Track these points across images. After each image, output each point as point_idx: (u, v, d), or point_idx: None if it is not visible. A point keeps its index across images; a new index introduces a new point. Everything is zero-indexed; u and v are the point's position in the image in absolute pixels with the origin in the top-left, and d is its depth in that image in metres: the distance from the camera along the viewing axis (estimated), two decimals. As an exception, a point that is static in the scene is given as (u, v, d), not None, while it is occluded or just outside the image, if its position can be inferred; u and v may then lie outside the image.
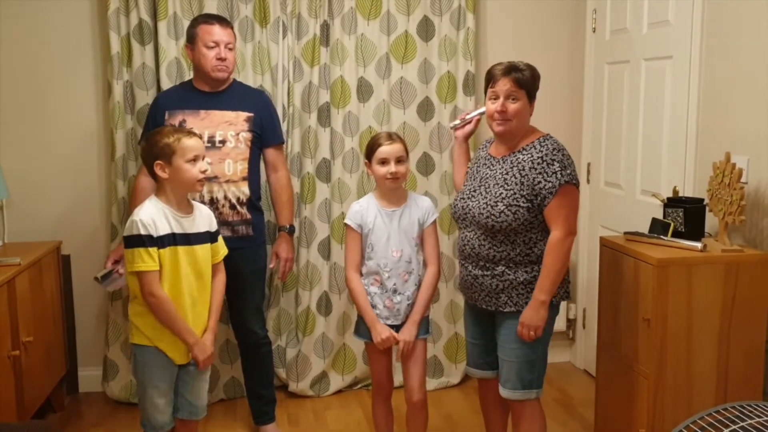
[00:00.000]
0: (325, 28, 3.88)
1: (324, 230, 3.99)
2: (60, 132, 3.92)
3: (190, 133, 2.76)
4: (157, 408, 2.74)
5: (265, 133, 3.41)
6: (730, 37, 3.06)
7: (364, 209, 3.02)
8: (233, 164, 3.31)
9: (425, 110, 4.02)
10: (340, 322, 4.03)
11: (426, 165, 4.05)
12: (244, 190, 3.34)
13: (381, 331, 2.96)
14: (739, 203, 2.79)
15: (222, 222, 3.29)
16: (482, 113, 2.98)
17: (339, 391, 4.10)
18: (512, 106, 2.70)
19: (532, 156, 2.68)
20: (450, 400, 3.99)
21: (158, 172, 2.68)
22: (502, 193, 2.70)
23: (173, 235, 2.69)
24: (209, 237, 2.83)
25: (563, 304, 4.24)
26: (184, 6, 3.76)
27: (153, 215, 2.65)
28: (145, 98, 3.73)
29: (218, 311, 2.89)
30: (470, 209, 2.78)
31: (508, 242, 2.71)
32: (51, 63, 3.87)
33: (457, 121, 3.10)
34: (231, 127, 3.31)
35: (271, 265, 3.56)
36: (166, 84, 3.71)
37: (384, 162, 2.94)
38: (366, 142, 3.26)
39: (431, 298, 3.05)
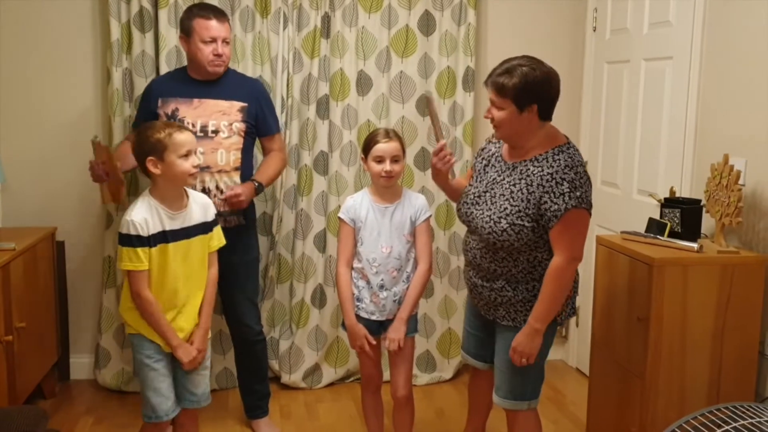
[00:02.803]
0: (326, 20, 3.87)
1: (320, 223, 3.99)
2: (58, 118, 3.90)
3: (182, 127, 2.72)
4: (160, 392, 2.73)
5: (260, 124, 3.39)
6: (730, 39, 3.06)
7: (358, 204, 3.02)
8: (226, 154, 3.29)
9: (424, 105, 4.01)
10: (334, 314, 4.03)
11: (424, 160, 4.05)
12: (236, 180, 3.32)
13: (356, 338, 3.00)
14: (737, 205, 2.79)
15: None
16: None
17: (331, 384, 4.10)
18: (497, 115, 2.51)
19: (542, 171, 2.47)
20: (442, 395, 4.00)
21: (150, 168, 2.64)
22: (507, 208, 2.53)
23: (164, 233, 2.67)
24: (203, 228, 2.81)
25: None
26: (185, -6, 3.74)
27: (145, 215, 2.63)
28: (143, 86, 3.69)
29: (211, 306, 2.88)
30: (474, 217, 2.63)
31: (510, 259, 2.57)
32: (50, 49, 3.85)
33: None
34: (224, 117, 3.29)
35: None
36: (166, 72, 3.69)
37: (380, 160, 2.94)
38: (364, 135, 3.26)
39: (420, 295, 3.05)
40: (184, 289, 2.76)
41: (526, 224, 2.49)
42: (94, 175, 3.13)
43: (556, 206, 2.43)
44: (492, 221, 2.55)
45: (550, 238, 2.50)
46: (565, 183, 2.43)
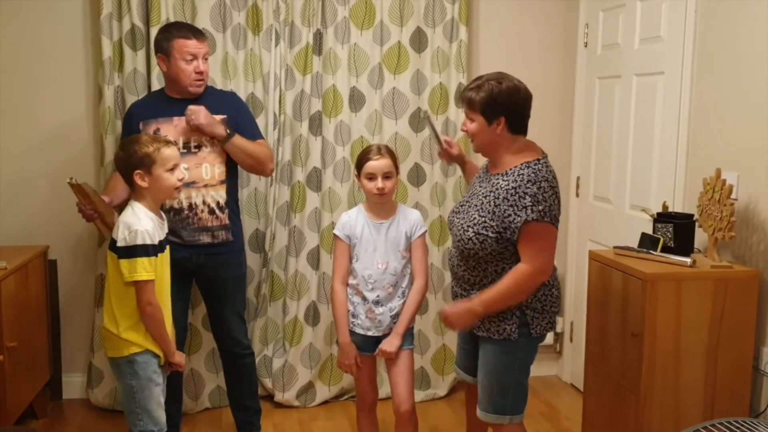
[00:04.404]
0: (318, 36, 3.88)
1: (313, 239, 3.98)
2: (49, 136, 3.90)
3: (168, 142, 2.80)
4: (161, 406, 2.77)
5: (242, 134, 3.32)
6: (721, 53, 3.08)
7: (353, 220, 3.02)
8: (210, 168, 3.28)
9: (417, 121, 4.02)
10: (328, 332, 4.01)
11: (417, 176, 4.05)
12: (222, 194, 3.31)
13: (345, 357, 3.01)
14: (729, 219, 2.80)
15: (201, 228, 3.28)
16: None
17: (325, 402, 4.08)
18: (470, 126, 2.65)
19: (508, 185, 2.56)
20: (437, 412, 3.98)
21: (138, 181, 2.70)
22: (475, 218, 2.62)
23: (161, 242, 2.74)
24: (167, 239, 2.87)
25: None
26: (177, 12, 3.74)
27: (152, 224, 2.69)
28: (135, 104, 3.71)
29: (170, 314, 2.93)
30: (454, 225, 2.74)
31: (479, 268, 2.65)
32: (42, 67, 3.85)
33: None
34: None
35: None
36: (143, 95, 3.69)
37: (371, 177, 2.94)
38: (357, 151, 3.27)
39: (417, 310, 3.05)
40: (165, 297, 2.82)
41: (490, 234, 2.57)
42: (84, 217, 3.10)
43: (518, 219, 2.51)
44: (462, 229, 2.65)
45: (518, 249, 2.56)
46: (527, 197, 2.50)
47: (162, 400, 2.78)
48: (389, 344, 2.97)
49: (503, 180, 2.59)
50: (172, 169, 2.73)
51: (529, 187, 2.51)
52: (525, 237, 2.51)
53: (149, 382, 2.73)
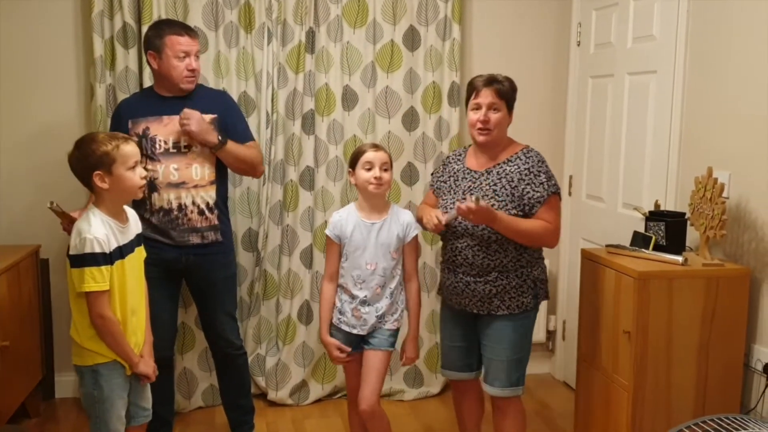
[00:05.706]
0: (311, 35, 3.88)
1: (306, 238, 3.98)
2: (41, 134, 3.88)
3: (126, 138, 2.62)
4: (121, 420, 2.64)
5: (232, 134, 3.29)
6: (713, 52, 3.09)
7: (344, 220, 3.00)
8: (200, 168, 3.25)
9: (410, 120, 4.02)
10: (321, 330, 4.01)
11: (410, 175, 4.05)
12: (212, 194, 3.28)
13: (331, 351, 3.03)
14: (721, 218, 2.81)
15: (191, 229, 3.25)
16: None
17: (319, 400, 4.08)
18: (494, 116, 2.83)
19: (519, 167, 2.84)
20: (430, 410, 3.98)
21: (98, 182, 2.52)
22: (494, 204, 2.79)
23: (119, 248, 2.58)
24: (137, 240, 2.73)
25: (544, 316, 4.30)
26: (169, 10, 3.73)
27: (105, 231, 2.52)
28: (127, 102, 3.70)
29: (149, 319, 2.80)
30: (460, 222, 2.83)
31: (501, 250, 2.83)
32: (33, 65, 3.83)
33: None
34: None
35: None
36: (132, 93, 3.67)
37: (369, 167, 2.92)
38: (350, 150, 3.28)
39: (420, 311, 3.10)
40: (133, 306, 2.67)
41: (511, 212, 2.81)
42: (68, 234, 3.08)
43: (538, 194, 2.81)
44: None
45: (536, 216, 2.83)
46: (542, 174, 2.84)
47: (122, 413, 2.63)
48: (411, 351, 3.04)
49: (510, 166, 2.86)
50: (133, 167, 2.57)
51: (541, 167, 2.85)
52: (546, 206, 2.81)
53: (111, 394, 2.59)
